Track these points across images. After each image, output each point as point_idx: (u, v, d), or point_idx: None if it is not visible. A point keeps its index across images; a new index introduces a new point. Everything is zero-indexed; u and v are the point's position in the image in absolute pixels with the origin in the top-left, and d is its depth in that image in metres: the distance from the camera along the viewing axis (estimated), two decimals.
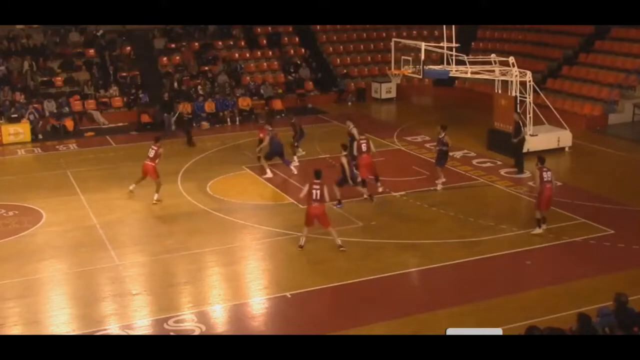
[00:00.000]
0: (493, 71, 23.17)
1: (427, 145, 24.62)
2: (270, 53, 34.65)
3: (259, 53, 34.48)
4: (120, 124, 29.05)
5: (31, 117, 27.51)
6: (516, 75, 22.81)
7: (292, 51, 35.17)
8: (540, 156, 17.18)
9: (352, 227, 17.16)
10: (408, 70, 23.26)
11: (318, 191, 15.36)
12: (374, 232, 16.92)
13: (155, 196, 19.03)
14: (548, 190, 16.40)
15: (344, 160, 18.20)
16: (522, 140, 21.46)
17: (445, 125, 20.32)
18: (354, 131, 20.25)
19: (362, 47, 36.39)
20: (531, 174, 20.00)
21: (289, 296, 13.79)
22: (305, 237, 15.77)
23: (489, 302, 13.31)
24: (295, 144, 23.03)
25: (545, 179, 16.35)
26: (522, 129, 21.60)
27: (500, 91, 24.14)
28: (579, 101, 28.18)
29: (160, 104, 28.81)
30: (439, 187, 19.91)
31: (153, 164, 19.09)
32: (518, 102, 22.87)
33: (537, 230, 16.53)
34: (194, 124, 27.83)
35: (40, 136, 27.10)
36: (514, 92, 22.94)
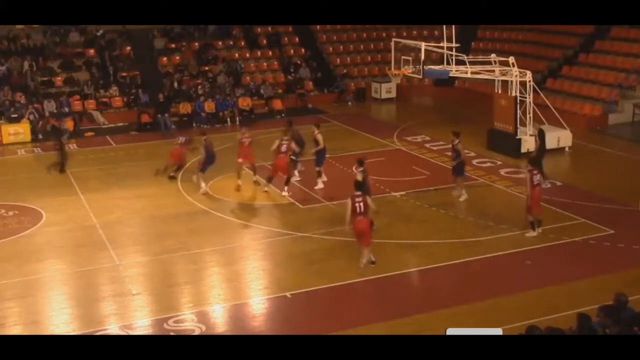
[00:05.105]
0: (493, 71, 23.17)
1: (427, 145, 24.63)
2: (270, 53, 34.62)
3: (259, 53, 34.46)
4: (120, 124, 29.07)
5: (31, 117, 27.51)
6: (516, 75, 22.80)
7: (292, 51, 35.15)
8: (531, 157, 17.06)
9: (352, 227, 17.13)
10: (408, 70, 23.26)
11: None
12: (374, 232, 16.86)
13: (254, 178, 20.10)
14: (538, 193, 16.45)
15: None
16: (544, 151, 20.76)
17: (457, 132, 19.30)
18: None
19: (362, 47, 36.36)
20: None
21: (289, 296, 13.79)
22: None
23: (488, 302, 13.31)
24: (296, 159, 20.41)
25: (535, 182, 16.35)
26: (543, 142, 20.82)
27: (500, 91, 24.14)
28: (579, 101, 28.16)
29: (155, 105, 28.77)
30: (463, 197, 19.04)
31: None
32: (518, 102, 22.88)
33: (532, 233, 16.51)
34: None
35: (40, 136, 27.11)
36: (514, 92, 22.94)
